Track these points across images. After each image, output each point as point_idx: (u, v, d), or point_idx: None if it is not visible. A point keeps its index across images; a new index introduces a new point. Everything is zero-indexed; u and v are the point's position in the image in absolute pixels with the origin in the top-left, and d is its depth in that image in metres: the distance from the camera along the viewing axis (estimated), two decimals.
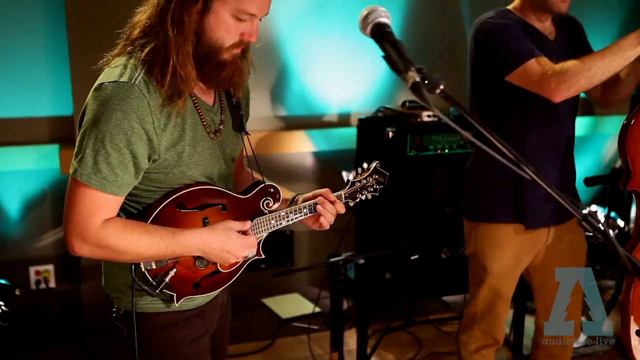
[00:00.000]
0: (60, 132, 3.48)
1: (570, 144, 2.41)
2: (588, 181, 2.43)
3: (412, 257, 2.95)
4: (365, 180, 1.85)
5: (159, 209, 1.58)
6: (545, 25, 2.29)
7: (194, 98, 1.60)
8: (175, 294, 1.62)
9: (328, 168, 3.86)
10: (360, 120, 3.33)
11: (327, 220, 1.75)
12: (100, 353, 3.30)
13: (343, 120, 3.84)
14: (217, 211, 1.65)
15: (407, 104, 3.30)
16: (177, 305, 1.64)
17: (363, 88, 3.72)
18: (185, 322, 1.70)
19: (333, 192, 1.78)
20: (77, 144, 1.51)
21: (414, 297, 3.49)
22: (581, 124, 3.56)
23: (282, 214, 1.74)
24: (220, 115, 1.69)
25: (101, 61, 1.60)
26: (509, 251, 2.40)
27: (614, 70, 2.03)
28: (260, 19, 1.58)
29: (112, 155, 1.48)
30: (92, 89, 1.52)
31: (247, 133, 1.77)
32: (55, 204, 3.56)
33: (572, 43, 2.36)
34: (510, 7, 2.33)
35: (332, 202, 1.75)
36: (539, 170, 2.14)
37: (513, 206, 2.36)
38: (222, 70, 1.56)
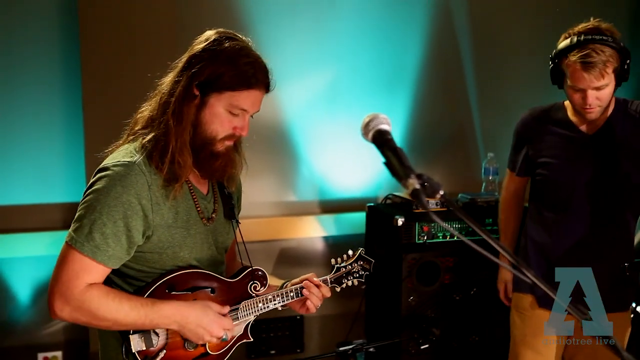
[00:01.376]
0: (72, 218, 3.49)
1: (611, 239, 2.45)
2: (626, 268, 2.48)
3: (423, 347, 2.97)
4: (350, 267, 1.94)
5: (150, 290, 1.65)
6: (589, 121, 2.39)
7: (189, 185, 1.72)
8: None
9: (338, 252, 3.82)
10: (370, 207, 3.38)
11: (313, 303, 1.82)
12: None
13: (353, 206, 3.85)
14: (206, 294, 1.73)
15: None
16: None
17: (371, 174, 3.78)
18: None
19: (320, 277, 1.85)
20: (76, 216, 1.59)
21: None
22: None
23: (269, 297, 1.81)
24: (213, 204, 1.80)
25: (106, 150, 1.73)
26: (529, 321, 2.53)
27: None
28: (252, 115, 1.71)
29: (108, 225, 1.56)
30: (96, 170, 1.64)
31: (237, 221, 1.88)
32: None
33: (619, 138, 2.42)
34: (566, 101, 2.48)
35: (317, 286, 1.82)
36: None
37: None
38: (215, 160, 1.68)
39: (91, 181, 1.62)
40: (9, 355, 3.39)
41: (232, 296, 1.79)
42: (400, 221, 3.02)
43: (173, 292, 1.68)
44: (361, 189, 3.81)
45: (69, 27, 3.42)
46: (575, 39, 2.29)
